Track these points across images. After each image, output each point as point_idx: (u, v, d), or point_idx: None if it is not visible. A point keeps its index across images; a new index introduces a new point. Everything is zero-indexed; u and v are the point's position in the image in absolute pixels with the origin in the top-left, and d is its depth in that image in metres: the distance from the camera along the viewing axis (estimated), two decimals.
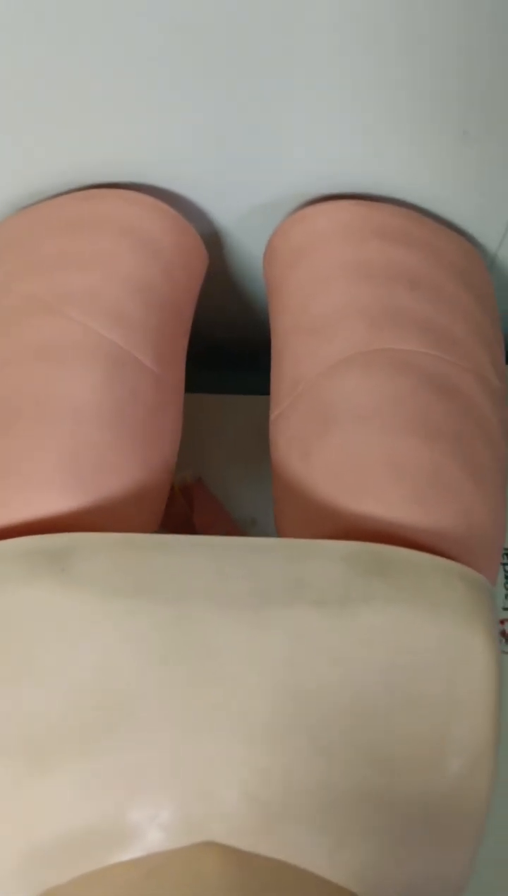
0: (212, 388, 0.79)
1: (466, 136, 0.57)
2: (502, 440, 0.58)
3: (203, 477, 0.75)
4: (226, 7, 0.49)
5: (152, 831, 0.45)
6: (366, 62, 0.53)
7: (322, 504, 0.52)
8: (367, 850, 0.46)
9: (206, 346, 0.72)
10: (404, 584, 0.47)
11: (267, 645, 0.45)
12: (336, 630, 0.45)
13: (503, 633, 0.72)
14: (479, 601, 0.48)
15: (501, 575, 0.74)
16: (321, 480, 0.52)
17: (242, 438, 0.77)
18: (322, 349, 0.56)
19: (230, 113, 0.57)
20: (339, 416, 0.53)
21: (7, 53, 0.53)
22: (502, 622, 0.72)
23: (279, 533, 0.57)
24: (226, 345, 0.78)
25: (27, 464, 0.51)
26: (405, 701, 0.46)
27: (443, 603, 0.47)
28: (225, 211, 0.66)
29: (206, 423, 0.78)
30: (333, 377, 0.55)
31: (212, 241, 0.68)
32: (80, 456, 0.51)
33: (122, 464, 0.53)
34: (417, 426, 0.53)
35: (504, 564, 0.74)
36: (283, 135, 0.59)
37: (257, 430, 0.70)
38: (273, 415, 0.60)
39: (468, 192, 0.62)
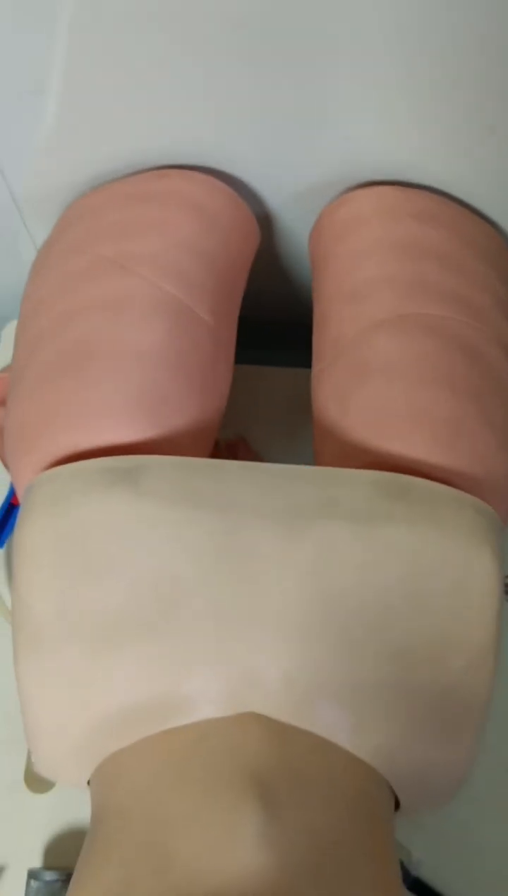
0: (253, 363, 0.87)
1: (492, 131, 0.65)
2: None
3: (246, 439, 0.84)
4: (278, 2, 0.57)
5: (202, 704, 0.53)
6: (410, 64, 0.60)
7: (354, 444, 0.60)
8: (384, 731, 0.54)
9: (250, 324, 0.80)
10: (422, 506, 0.54)
11: (301, 552, 0.53)
12: (360, 542, 0.53)
13: None
14: (487, 526, 0.55)
15: None
16: (354, 424, 0.60)
17: (282, 407, 0.85)
18: (359, 313, 0.65)
19: (282, 105, 0.65)
20: (372, 370, 0.61)
21: (86, 52, 0.62)
22: None
23: None
24: (268, 323, 0.86)
25: (100, 397, 0.58)
26: (419, 605, 0.53)
27: (455, 523, 0.54)
28: (276, 194, 0.74)
29: (248, 392, 0.85)
30: (368, 337, 0.63)
31: (264, 220, 0.76)
32: (147, 392, 0.59)
33: (182, 402, 0.61)
34: (441, 380, 0.60)
35: None
36: (330, 126, 0.67)
37: (295, 400, 0.78)
38: (315, 370, 0.68)
39: (492, 183, 0.70)
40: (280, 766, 0.51)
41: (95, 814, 0.54)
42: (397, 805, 0.59)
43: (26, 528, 0.54)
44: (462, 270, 0.66)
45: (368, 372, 0.61)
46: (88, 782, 0.58)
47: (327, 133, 0.68)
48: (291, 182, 0.72)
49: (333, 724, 0.53)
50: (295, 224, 0.77)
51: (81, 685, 0.54)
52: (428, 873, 0.69)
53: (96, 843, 0.52)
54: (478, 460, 0.59)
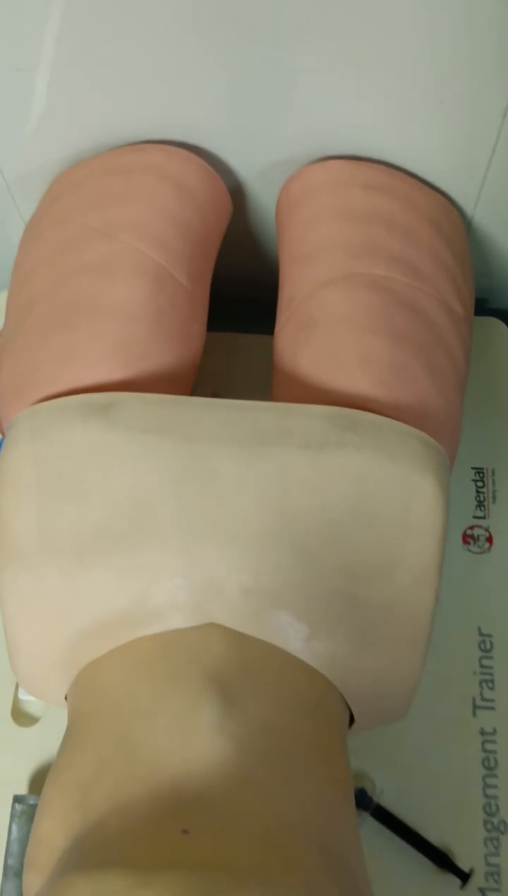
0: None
1: (442, 104, 0.71)
2: (461, 356, 0.71)
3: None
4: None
5: (169, 613, 0.58)
6: (364, 41, 0.66)
7: (306, 386, 0.65)
8: (336, 641, 0.59)
9: (230, 296, 0.85)
10: (370, 436, 0.59)
11: (260, 474, 0.58)
12: (314, 466, 0.58)
13: (472, 537, 0.85)
14: (430, 455, 0.60)
15: (472, 490, 0.87)
16: (306, 371, 0.65)
17: (256, 369, 0.90)
18: (310, 274, 0.70)
19: (252, 83, 0.71)
20: (321, 322, 0.67)
21: (71, 33, 0.67)
22: (471, 528, 0.85)
23: None
24: (246, 296, 0.91)
25: (84, 348, 0.64)
26: (367, 524, 0.58)
27: (401, 451, 0.59)
28: (247, 168, 0.79)
29: (226, 357, 0.90)
30: (318, 294, 0.68)
31: (236, 193, 0.82)
32: (127, 344, 0.64)
33: (159, 353, 0.66)
34: (384, 330, 0.65)
35: (475, 481, 0.87)
36: (294, 103, 0.72)
37: (268, 364, 0.82)
38: (276, 328, 0.73)
39: (442, 155, 0.75)
40: (238, 669, 0.56)
41: (71, 717, 0.59)
42: (353, 721, 0.64)
43: (8, 455, 0.59)
44: (409, 236, 0.71)
45: (318, 324, 0.67)
46: (66, 698, 0.63)
47: (292, 110, 0.73)
48: (260, 157, 0.78)
49: (288, 633, 0.58)
50: (266, 197, 0.82)
51: (60, 600, 0.59)
52: (390, 801, 0.74)
53: (71, 738, 0.57)
54: (419, 401, 0.64)
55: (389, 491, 0.59)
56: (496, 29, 0.64)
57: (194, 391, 0.80)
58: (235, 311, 0.88)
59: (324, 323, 0.67)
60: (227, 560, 0.57)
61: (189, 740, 0.52)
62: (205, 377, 0.83)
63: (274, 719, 0.55)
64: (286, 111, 0.73)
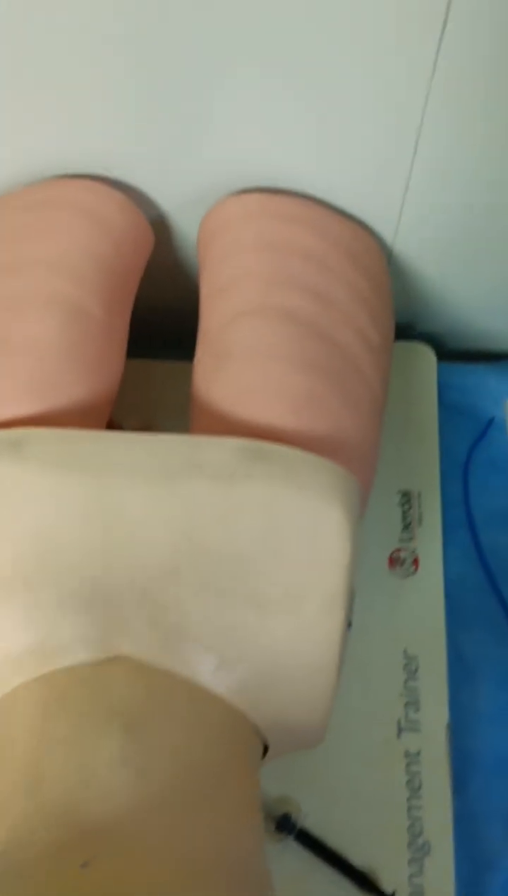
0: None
1: (352, 138, 0.72)
2: (377, 383, 0.72)
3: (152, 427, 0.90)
4: (160, 23, 0.64)
5: (78, 647, 0.58)
6: (279, 77, 0.67)
7: (219, 418, 0.66)
8: (244, 671, 0.59)
9: (153, 325, 0.86)
10: (279, 468, 0.60)
11: (167, 507, 0.59)
12: (222, 498, 0.59)
13: (397, 560, 0.86)
14: (339, 486, 0.61)
15: (399, 513, 0.88)
16: (221, 402, 0.66)
17: (185, 397, 0.91)
18: (225, 305, 0.71)
19: (169, 115, 0.72)
20: (233, 353, 0.68)
21: None
22: (397, 550, 0.86)
23: None
24: (168, 325, 0.92)
25: None
26: (275, 554, 0.59)
27: (309, 483, 0.60)
28: (167, 200, 0.80)
29: (155, 385, 0.91)
30: (232, 325, 0.69)
31: (158, 227, 0.83)
32: (39, 378, 0.65)
33: (73, 387, 0.66)
34: (296, 360, 0.66)
35: (402, 505, 0.88)
36: (213, 135, 0.73)
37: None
38: (194, 361, 0.74)
39: (361, 188, 0.77)
40: (144, 701, 0.57)
41: None
42: (267, 750, 0.65)
43: None
44: (325, 268, 0.73)
45: (232, 355, 0.67)
46: None
47: (210, 142, 0.74)
48: (179, 188, 0.79)
49: (196, 665, 0.59)
50: (187, 228, 0.84)
51: None
52: (314, 824, 0.75)
53: None
54: (334, 430, 0.65)
55: (296, 521, 0.59)
56: (405, 69, 0.66)
57: (123, 421, 0.82)
58: (165, 338, 0.89)
59: (238, 354, 0.68)
60: (134, 594, 0.58)
61: (92, 772, 0.53)
62: (135, 406, 0.84)
63: (181, 749, 0.56)
64: (203, 142, 0.74)
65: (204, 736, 0.57)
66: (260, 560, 0.59)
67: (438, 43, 0.63)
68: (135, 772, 0.53)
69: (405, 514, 0.88)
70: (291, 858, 0.73)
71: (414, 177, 0.76)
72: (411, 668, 0.81)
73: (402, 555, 0.86)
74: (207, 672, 0.59)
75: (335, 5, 0.62)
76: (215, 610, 0.59)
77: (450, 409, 0.94)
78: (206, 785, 0.55)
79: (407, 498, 0.88)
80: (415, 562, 0.85)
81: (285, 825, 0.73)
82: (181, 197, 0.80)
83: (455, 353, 1.00)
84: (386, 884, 0.73)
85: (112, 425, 0.76)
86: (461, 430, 0.93)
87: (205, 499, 0.59)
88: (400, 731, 0.78)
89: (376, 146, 0.73)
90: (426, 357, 0.94)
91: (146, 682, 0.58)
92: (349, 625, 0.62)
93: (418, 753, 0.78)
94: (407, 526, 0.87)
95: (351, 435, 0.66)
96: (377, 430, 0.71)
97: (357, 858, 0.73)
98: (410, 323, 0.96)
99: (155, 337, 0.88)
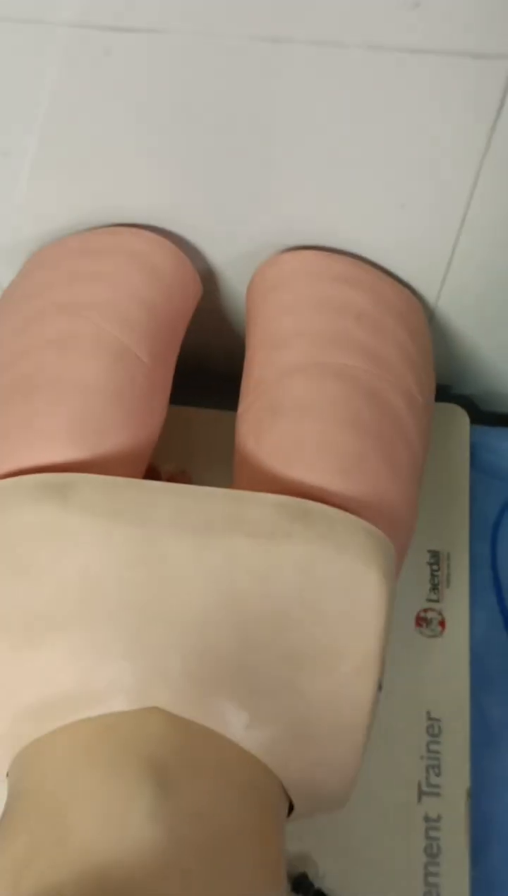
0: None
1: (403, 208, 0.74)
2: (419, 446, 0.73)
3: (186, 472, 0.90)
4: (229, 92, 0.67)
5: (112, 696, 0.59)
6: (335, 156, 0.70)
7: (265, 473, 0.66)
8: (275, 729, 0.60)
9: (194, 373, 0.87)
10: (318, 527, 0.60)
11: (208, 561, 0.59)
12: (261, 555, 0.59)
13: (424, 620, 0.86)
14: (377, 548, 0.61)
15: (427, 573, 0.88)
16: (266, 456, 0.67)
17: (223, 445, 0.92)
18: (279, 359, 0.72)
19: (227, 181, 0.74)
20: (285, 409, 0.68)
21: (52, 121, 0.71)
22: (424, 610, 0.86)
23: None
24: (210, 371, 0.93)
25: (41, 422, 0.65)
26: (312, 613, 0.59)
27: (348, 544, 0.60)
28: (219, 254, 0.82)
29: (194, 432, 0.92)
30: (285, 380, 0.70)
31: (206, 277, 0.84)
32: (84, 421, 0.66)
33: (115, 430, 0.67)
34: (347, 420, 0.67)
35: (430, 564, 0.89)
36: (268, 200, 0.76)
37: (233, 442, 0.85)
38: (240, 411, 0.75)
39: (405, 251, 0.79)
40: (176, 755, 0.57)
41: (10, 795, 0.60)
42: (292, 808, 0.65)
43: None
44: (377, 329, 0.74)
45: (282, 411, 0.68)
46: (7, 774, 0.63)
47: (263, 204, 0.76)
48: (232, 245, 0.81)
49: (229, 720, 0.59)
50: (236, 282, 0.85)
51: (7, 676, 0.60)
52: (331, 885, 0.74)
53: (7, 818, 0.57)
54: (376, 492, 0.66)
55: (334, 582, 0.60)
56: (451, 143, 0.67)
57: (160, 466, 0.82)
58: (207, 385, 0.90)
59: (289, 410, 0.68)
60: (172, 645, 0.58)
61: (121, 827, 0.53)
62: (172, 452, 0.84)
63: (210, 806, 0.56)
64: (257, 204, 0.76)
65: (233, 794, 0.57)
66: (297, 619, 0.59)
67: (490, 132, 0.65)
68: (163, 830, 0.53)
69: (433, 575, 0.88)
70: None
71: (460, 245, 0.78)
72: (434, 731, 0.81)
73: (429, 615, 0.86)
74: (240, 728, 0.59)
75: (400, 98, 0.64)
76: (250, 665, 0.59)
77: (482, 470, 0.94)
78: (231, 845, 0.55)
79: (436, 558, 0.88)
80: (441, 623, 0.85)
81: (302, 885, 0.72)
82: (233, 251, 0.82)
83: (489, 415, 1.01)
84: None
85: (149, 468, 0.76)
86: (492, 491, 0.94)
87: (245, 555, 0.59)
88: (420, 794, 0.78)
89: (423, 219, 0.75)
90: (460, 419, 0.95)
91: (179, 736, 0.58)
92: (380, 687, 0.63)
93: (438, 819, 0.77)
94: (435, 586, 0.87)
95: (392, 498, 0.66)
96: (415, 495, 0.71)
97: None
98: (446, 385, 0.97)
99: (191, 384, 0.89)
